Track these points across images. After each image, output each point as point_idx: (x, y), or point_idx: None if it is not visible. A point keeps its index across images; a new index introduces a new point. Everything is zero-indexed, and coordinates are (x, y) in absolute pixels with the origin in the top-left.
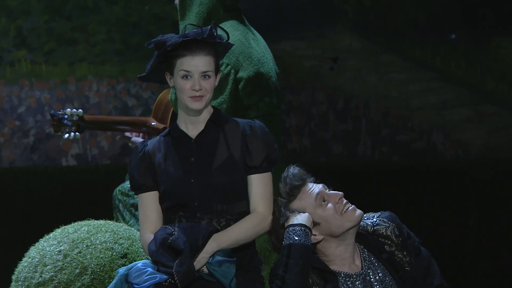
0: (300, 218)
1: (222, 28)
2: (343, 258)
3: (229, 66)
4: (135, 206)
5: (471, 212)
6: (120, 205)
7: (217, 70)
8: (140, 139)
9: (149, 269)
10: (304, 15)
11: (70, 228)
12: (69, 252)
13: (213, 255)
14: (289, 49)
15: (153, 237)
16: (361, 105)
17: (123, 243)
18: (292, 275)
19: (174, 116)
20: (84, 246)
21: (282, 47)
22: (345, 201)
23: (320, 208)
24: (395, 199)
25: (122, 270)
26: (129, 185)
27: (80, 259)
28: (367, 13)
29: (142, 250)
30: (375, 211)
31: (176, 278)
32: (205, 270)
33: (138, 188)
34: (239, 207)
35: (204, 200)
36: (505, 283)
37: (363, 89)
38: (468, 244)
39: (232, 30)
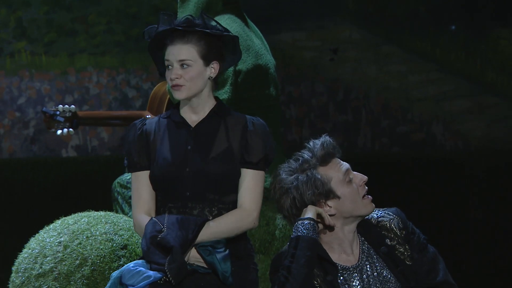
0: (308, 213)
1: (214, 20)
2: (342, 244)
3: None
4: None
5: (470, 203)
6: (119, 197)
7: (207, 59)
8: None
9: (141, 268)
10: (304, 6)
11: (70, 219)
12: (69, 243)
13: (213, 251)
14: (289, 40)
15: (145, 218)
16: (361, 96)
17: (123, 234)
18: (298, 265)
19: (170, 106)
20: (84, 237)
21: (282, 39)
22: (366, 188)
23: (345, 184)
24: (395, 190)
25: (115, 273)
26: (127, 177)
27: (80, 250)
28: (367, 4)
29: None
30: (375, 202)
31: (169, 275)
32: (194, 263)
33: (133, 165)
34: (232, 197)
35: (196, 189)
36: (504, 274)
37: (363, 81)
38: (468, 235)
39: (230, 22)
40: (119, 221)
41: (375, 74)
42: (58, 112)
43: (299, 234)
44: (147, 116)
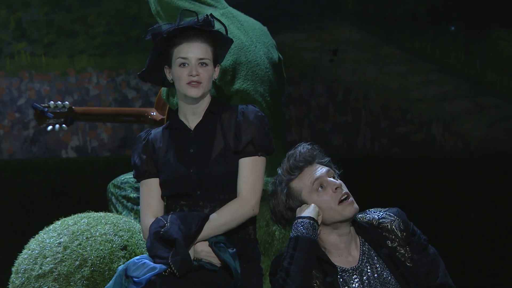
0: (309, 211)
1: (220, 21)
2: (338, 248)
3: None
4: (126, 198)
5: (470, 203)
6: (113, 197)
7: (215, 60)
8: None
9: (146, 261)
10: (304, 7)
11: (70, 220)
12: (69, 244)
13: (226, 248)
14: (288, 41)
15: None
16: (360, 97)
17: (123, 235)
18: (297, 267)
19: (170, 110)
20: (84, 238)
21: (281, 39)
22: (344, 190)
23: (315, 194)
24: (394, 191)
25: (121, 267)
26: (122, 179)
27: (80, 251)
28: (367, 5)
29: (142, 242)
30: (374, 202)
31: (173, 268)
32: (202, 259)
33: (141, 174)
34: None
35: (205, 189)
36: (505, 275)
37: (362, 81)
38: (468, 236)
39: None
40: (119, 222)
41: (375, 75)
42: (46, 109)
43: (298, 234)
44: (152, 114)
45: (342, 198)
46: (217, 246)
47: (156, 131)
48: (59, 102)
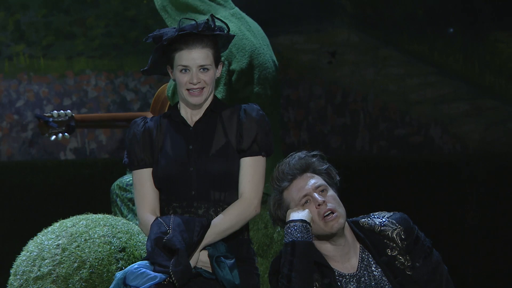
0: (303, 214)
1: (221, 20)
2: (334, 256)
3: (222, 58)
4: (132, 201)
5: (469, 206)
6: (118, 199)
7: (217, 62)
8: None
9: (145, 270)
10: (302, 9)
11: (68, 222)
12: (68, 246)
13: (225, 261)
14: (287, 43)
15: (151, 218)
16: (359, 99)
17: (121, 237)
18: (297, 273)
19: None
20: (83, 240)
21: (280, 41)
22: (328, 207)
23: (301, 208)
24: (393, 193)
25: (119, 274)
26: (127, 180)
27: (79, 253)
28: (365, 7)
29: (140, 244)
30: (372, 205)
31: (173, 278)
32: (201, 267)
33: (137, 163)
34: (236, 195)
35: (202, 188)
36: (503, 277)
37: (361, 83)
38: (466, 238)
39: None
40: (117, 223)
41: (373, 77)
42: (51, 119)
43: (293, 239)
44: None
45: (325, 214)
46: (217, 261)
47: (153, 120)
48: (62, 111)
